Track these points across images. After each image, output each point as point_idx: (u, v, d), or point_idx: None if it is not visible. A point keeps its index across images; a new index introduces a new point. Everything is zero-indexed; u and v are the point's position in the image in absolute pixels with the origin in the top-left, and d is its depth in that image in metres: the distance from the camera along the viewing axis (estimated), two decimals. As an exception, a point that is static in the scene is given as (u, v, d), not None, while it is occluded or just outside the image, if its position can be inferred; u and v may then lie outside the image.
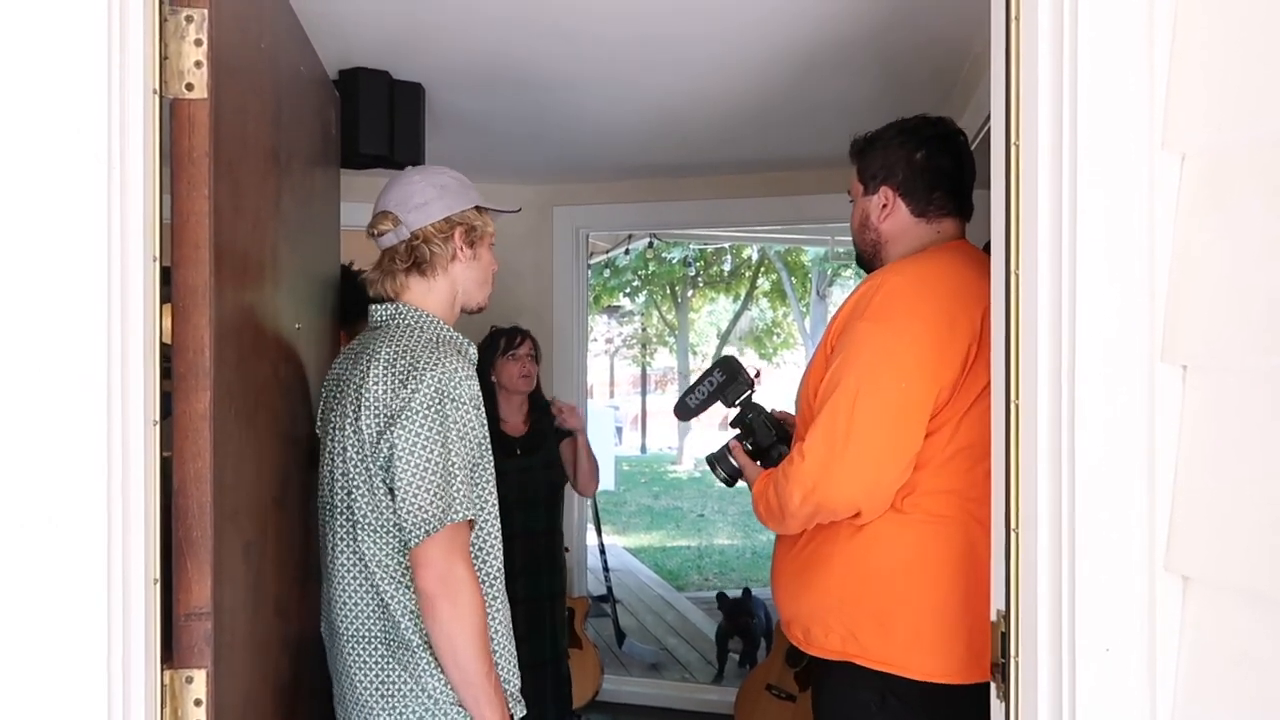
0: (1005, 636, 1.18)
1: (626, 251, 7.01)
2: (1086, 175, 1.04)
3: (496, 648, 1.63)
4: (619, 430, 16.09)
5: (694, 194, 3.96)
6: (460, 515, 1.53)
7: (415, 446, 1.52)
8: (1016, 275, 1.14)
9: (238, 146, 1.37)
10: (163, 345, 1.19)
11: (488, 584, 1.64)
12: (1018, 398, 1.14)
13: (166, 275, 1.20)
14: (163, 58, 1.19)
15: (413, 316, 1.68)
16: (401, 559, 1.59)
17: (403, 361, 1.57)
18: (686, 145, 3.34)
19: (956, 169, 1.77)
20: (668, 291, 14.99)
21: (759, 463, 1.88)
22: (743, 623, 4.44)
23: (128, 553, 1.11)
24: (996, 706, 1.22)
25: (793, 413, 1.92)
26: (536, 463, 3.07)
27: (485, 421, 1.63)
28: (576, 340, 4.19)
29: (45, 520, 1.06)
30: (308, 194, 1.86)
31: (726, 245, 12.19)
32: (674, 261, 13.22)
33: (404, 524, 1.53)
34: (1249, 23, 0.97)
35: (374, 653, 1.61)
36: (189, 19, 1.21)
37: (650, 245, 7.88)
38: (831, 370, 1.63)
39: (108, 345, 1.08)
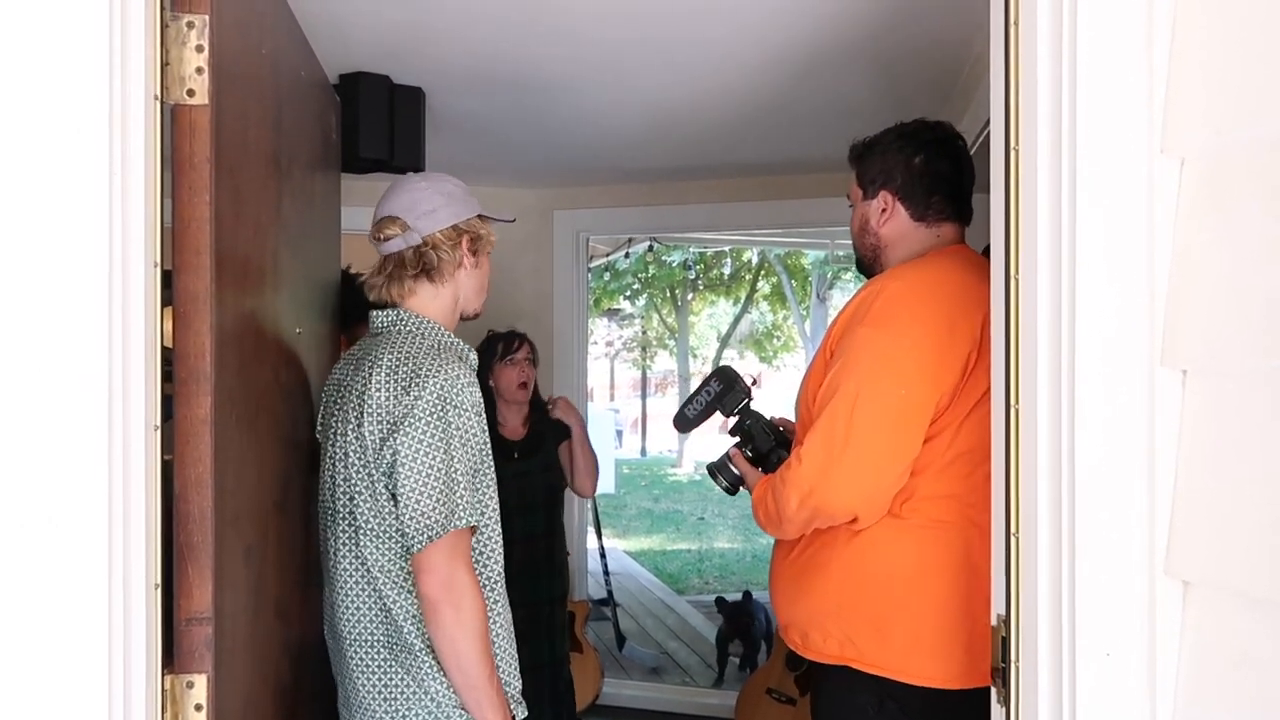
0: (1005, 641, 1.18)
1: (626, 255, 7.02)
2: (1086, 179, 1.04)
3: (497, 650, 1.64)
4: (619, 433, 16.08)
5: (694, 197, 3.96)
6: (463, 521, 1.54)
7: (418, 453, 1.53)
8: (1016, 279, 1.14)
9: (239, 152, 1.37)
10: (163, 349, 1.19)
11: (488, 588, 1.64)
12: (1018, 401, 1.14)
13: (167, 279, 1.21)
14: (164, 63, 1.19)
15: (414, 323, 1.68)
16: (404, 564, 1.60)
17: (405, 368, 1.57)
18: (686, 148, 3.34)
19: (955, 173, 1.77)
20: (668, 295, 14.99)
21: (760, 469, 1.89)
22: (743, 626, 4.44)
23: (128, 557, 1.11)
24: (997, 710, 1.22)
25: (792, 419, 1.93)
26: (534, 466, 3.06)
27: (486, 427, 1.64)
28: (576, 343, 4.20)
29: (46, 522, 1.07)
30: (308, 199, 1.86)
31: (726, 248, 12.20)
32: (674, 265, 13.23)
33: (407, 530, 1.53)
34: (1248, 25, 0.97)
35: (377, 656, 1.62)
36: (190, 25, 1.21)
37: (650, 248, 7.88)
38: (831, 375, 1.63)
39: (109, 349, 1.08)
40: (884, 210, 1.77)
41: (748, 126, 3.01)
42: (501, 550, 1.70)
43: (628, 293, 14.71)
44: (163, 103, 1.18)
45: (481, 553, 1.65)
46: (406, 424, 1.53)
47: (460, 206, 1.73)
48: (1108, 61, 1.04)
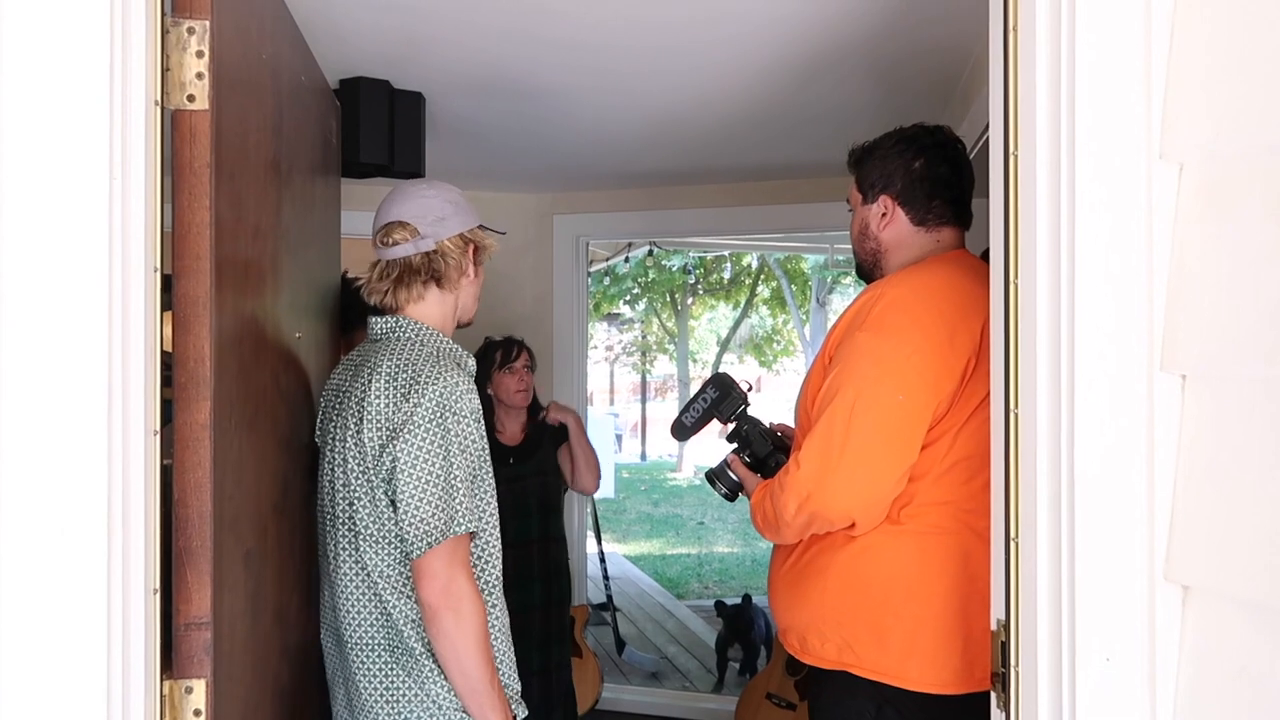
0: (1005, 646, 1.18)
1: (626, 259, 7.03)
2: (1085, 184, 1.04)
3: (496, 652, 1.64)
4: (619, 438, 16.08)
5: (694, 202, 3.97)
6: (462, 528, 1.55)
7: (418, 460, 1.53)
8: (1015, 285, 1.14)
9: (239, 157, 1.37)
10: (163, 353, 1.19)
11: (487, 591, 1.65)
12: (1017, 407, 1.14)
13: (167, 284, 1.21)
14: (164, 69, 1.19)
15: (413, 330, 1.69)
16: (403, 569, 1.60)
17: (404, 375, 1.58)
18: (686, 153, 3.34)
19: (955, 177, 1.77)
20: (668, 299, 15.01)
21: (759, 474, 1.88)
22: (742, 631, 4.44)
23: (128, 562, 1.11)
24: (997, 715, 1.22)
25: (791, 425, 1.93)
26: (528, 470, 3.06)
27: (485, 434, 1.65)
28: (576, 348, 4.20)
29: (45, 527, 1.06)
30: (308, 204, 1.86)
31: (726, 253, 12.21)
32: (674, 269, 13.24)
33: (406, 536, 1.53)
34: (1246, 31, 0.97)
35: (379, 660, 1.62)
36: (190, 30, 1.21)
37: (650, 253, 7.89)
38: (829, 380, 1.63)
39: (108, 354, 1.08)
40: (884, 215, 1.78)
41: (748, 131, 3.01)
42: (500, 555, 1.71)
43: (627, 297, 14.72)
44: (163, 108, 1.18)
45: (480, 557, 1.66)
46: (406, 431, 1.54)
47: (465, 216, 1.75)
48: (1106, 67, 1.04)
